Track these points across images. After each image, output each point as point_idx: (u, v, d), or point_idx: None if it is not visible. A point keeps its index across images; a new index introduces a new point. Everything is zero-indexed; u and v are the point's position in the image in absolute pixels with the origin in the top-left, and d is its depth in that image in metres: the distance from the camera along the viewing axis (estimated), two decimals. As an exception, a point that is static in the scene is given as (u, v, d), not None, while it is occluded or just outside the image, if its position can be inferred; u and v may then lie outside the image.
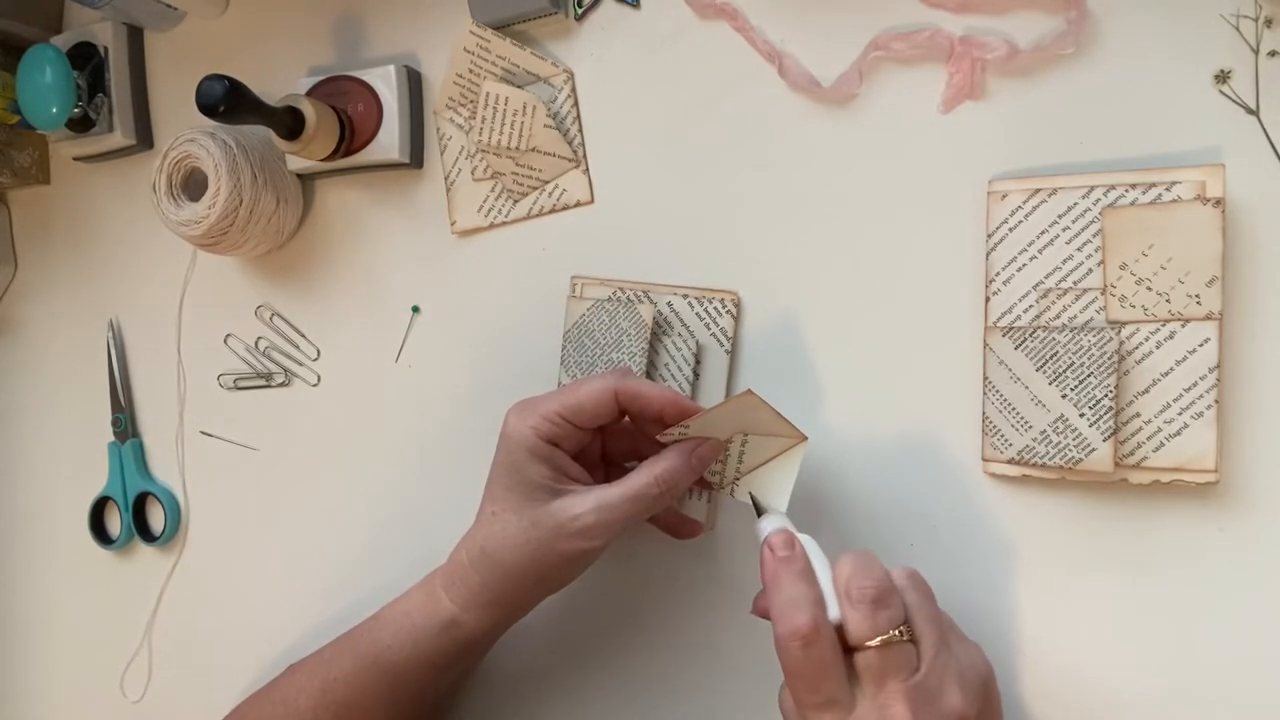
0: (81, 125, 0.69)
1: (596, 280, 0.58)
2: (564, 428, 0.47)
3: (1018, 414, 0.48)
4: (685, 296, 0.55)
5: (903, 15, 0.51)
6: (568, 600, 0.56)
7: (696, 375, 0.55)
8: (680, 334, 0.55)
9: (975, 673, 0.41)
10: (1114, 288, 0.46)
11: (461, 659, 0.52)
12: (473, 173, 0.61)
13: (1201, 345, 0.45)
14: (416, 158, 0.62)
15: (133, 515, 0.70)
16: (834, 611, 0.40)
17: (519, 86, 0.58)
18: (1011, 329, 0.48)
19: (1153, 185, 0.46)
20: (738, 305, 0.55)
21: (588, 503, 0.47)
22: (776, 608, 0.41)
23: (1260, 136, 0.45)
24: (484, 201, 0.61)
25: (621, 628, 0.56)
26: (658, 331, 0.55)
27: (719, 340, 0.55)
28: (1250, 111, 0.45)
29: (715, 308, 0.55)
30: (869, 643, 0.39)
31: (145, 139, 0.71)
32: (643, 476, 0.47)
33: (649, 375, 0.55)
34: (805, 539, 0.44)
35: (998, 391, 0.48)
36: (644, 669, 0.56)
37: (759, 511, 0.46)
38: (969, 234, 0.50)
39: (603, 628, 0.54)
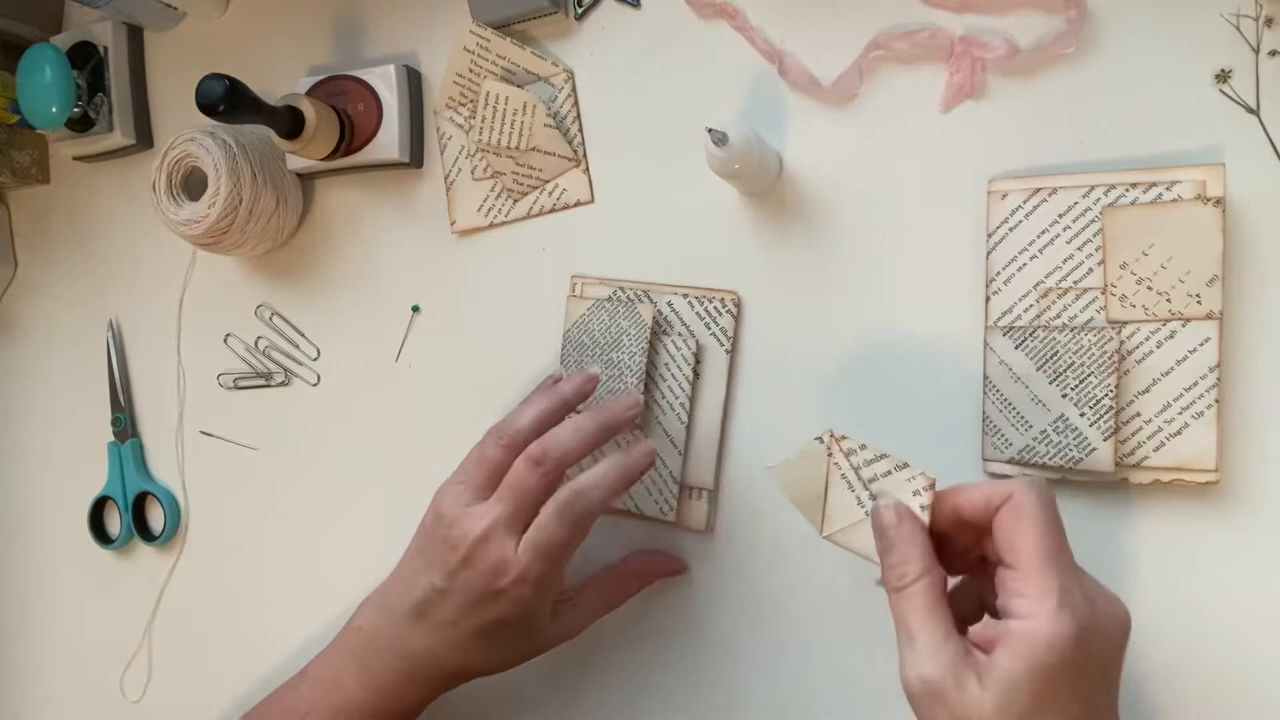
0: (81, 125, 0.69)
1: (596, 280, 0.58)
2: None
3: (1018, 413, 0.48)
4: (685, 296, 0.55)
5: (903, 14, 0.51)
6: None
7: (696, 375, 0.55)
8: (680, 334, 0.55)
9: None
10: (1114, 287, 0.46)
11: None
12: (473, 172, 0.61)
13: (1202, 345, 0.45)
14: (416, 157, 0.62)
15: (132, 515, 0.70)
16: None
17: (519, 86, 0.58)
18: (1012, 328, 0.48)
19: (1153, 185, 0.46)
20: (738, 305, 0.55)
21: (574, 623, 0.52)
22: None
23: (1260, 136, 0.45)
24: (484, 201, 0.61)
25: (621, 629, 0.56)
26: (658, 331, 0.55)
27: (719, 340, 0.55)
28: (1250, 111, 0.45)
29: (715, 307, 0.55)
30: None
31: (145, 139, 0.71)
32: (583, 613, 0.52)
33: (649, 375, 0.55)
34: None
35: (998, 391, 0.48)
36: (643, 670, 0.56)
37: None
38: (969, 234, 0.50)
39: (602, 627, 0.54)
